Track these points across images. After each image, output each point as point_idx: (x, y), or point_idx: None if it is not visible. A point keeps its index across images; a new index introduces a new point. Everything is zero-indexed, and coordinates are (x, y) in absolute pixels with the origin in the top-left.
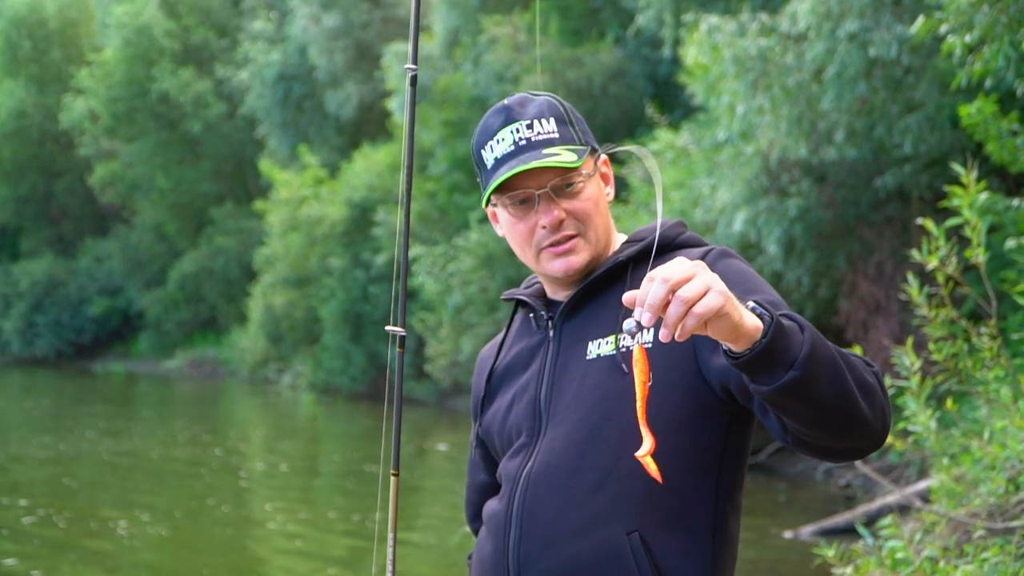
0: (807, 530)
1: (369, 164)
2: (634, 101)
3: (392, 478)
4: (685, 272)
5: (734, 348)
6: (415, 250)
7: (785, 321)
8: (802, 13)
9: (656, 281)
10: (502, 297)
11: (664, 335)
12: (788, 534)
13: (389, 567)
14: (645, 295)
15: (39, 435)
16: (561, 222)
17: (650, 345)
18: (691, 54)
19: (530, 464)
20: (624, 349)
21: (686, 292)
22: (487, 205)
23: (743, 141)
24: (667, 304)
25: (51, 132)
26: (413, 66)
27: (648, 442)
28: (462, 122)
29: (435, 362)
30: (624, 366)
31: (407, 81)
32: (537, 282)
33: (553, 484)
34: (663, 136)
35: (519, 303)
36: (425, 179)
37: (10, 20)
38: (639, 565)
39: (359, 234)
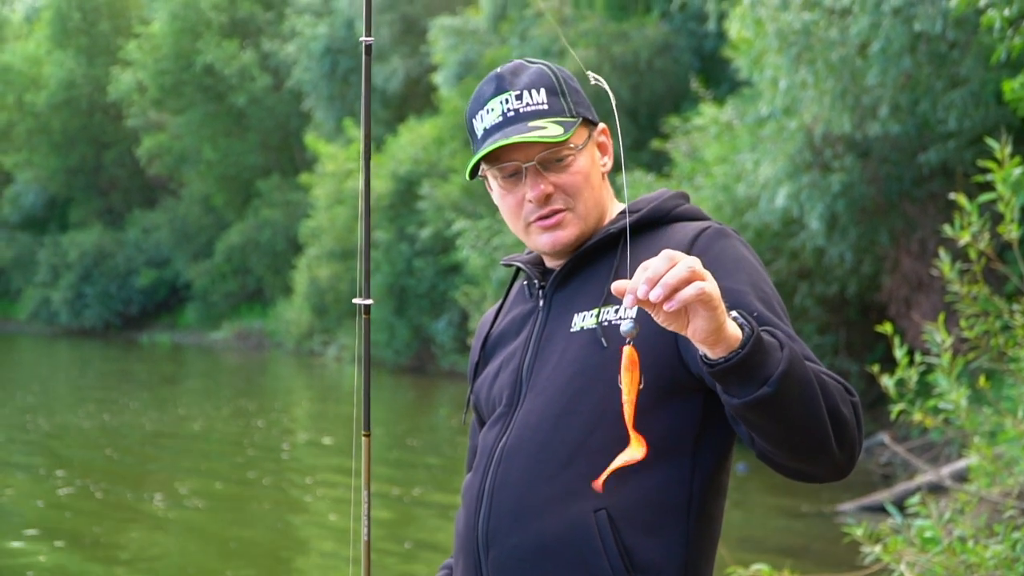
0: (846, 507)
1: (415, 137)
2: (680, 75)
3: (364, 439)
4: (667, 262)
5: (711, 355)
6: (459, 224)
7: (766, 336)
8: None
9: (638, 274)
10: (501, 262)
11: (629, 303)
12: (826, 511)
13: (364, 522)
14: (635, 284)
15: (84, 405)
16: (548, 196)
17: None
18: (735, 28)
19: (505, 437)
20: (606, 323)
21: (670, 279)
22: (473, 176)
23: (786, 116)
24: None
25: (100, 103)
26: (369, 38)
27: (640, 451)
28: None
29: None
30: (604, 340)
31: (363, 52)
32: None
33: (524, 457)
34: (708, 111)
35: (519, 269)
36: (470, 153)
37: None
38: (604, 543)
39: (404, 207)
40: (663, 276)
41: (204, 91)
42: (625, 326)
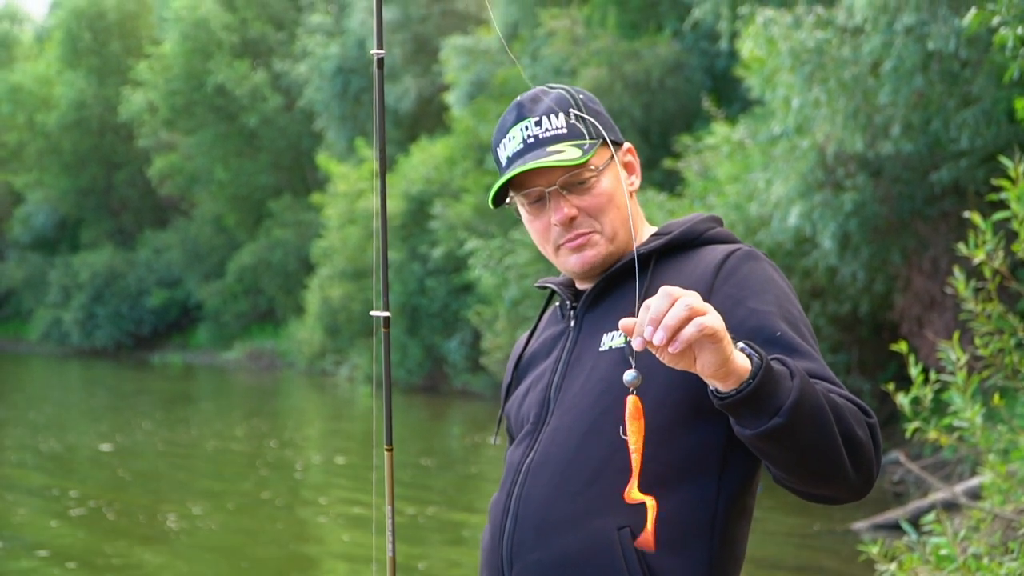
0: (859, 525)
1: (426, 157)
2: (692, 94)
3: (386, 453)
4: (667, 300)
5: (721, 388)
6: (471, 243)
7: (776, 365)
8: (858, 6)
9: (641, 316)
10: (535, 285)
11: (638, 345)
12: (840, 529)
13: (389, 537)
14: (641, 325)
15: (96, 426)
16: (572, 219)
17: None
18: (747, 47)
19: (531, 454)
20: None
21: (669, 320)
22: (498, 204)
23: (798, 135)
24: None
25: (111, 123)
26: (380, 51)
27: (651, 511)
28: None
29: (491, 355)
30: (631, 359)
31: (374, 65)
32: None
33: (549, 474)
34: (720, 130)
35: (553, 291)
36: (482, 172)
37: (71, 12)
38: (627, 561)
39: (416, 227)
40: (663, 317)
41: (215, 111)
42: (628, 375)
